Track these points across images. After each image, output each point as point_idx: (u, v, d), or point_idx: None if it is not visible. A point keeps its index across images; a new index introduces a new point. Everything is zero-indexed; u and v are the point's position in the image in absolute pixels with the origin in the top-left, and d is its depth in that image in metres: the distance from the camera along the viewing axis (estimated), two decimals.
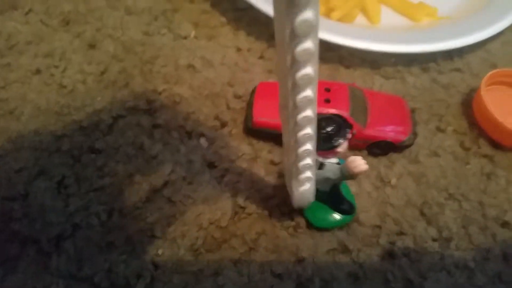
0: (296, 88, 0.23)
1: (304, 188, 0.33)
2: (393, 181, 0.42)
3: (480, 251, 0.38)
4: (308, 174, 0.31)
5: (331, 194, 0.36)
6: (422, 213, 0.40)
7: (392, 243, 0.38)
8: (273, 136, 0.43)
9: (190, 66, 0.50)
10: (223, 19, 0.56)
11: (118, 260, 0.36)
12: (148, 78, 0.49)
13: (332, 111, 0.40)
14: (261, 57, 0.52)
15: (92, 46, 0.52)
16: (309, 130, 0.27)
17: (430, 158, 0.44)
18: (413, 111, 0.46)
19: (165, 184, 0.41)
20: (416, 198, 0.41)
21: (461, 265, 0.37)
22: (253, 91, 0.45)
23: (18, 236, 0.38)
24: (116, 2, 0.57)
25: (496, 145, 0.45)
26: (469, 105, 0.48)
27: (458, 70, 0.52)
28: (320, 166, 0.33)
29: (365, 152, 0.44)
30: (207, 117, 0.46)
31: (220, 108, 0.47)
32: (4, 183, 0.40)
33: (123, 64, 0.50)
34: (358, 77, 0.50)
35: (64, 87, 0.48)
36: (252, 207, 0.40)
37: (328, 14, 0.54)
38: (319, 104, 0.40)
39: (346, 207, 0.38)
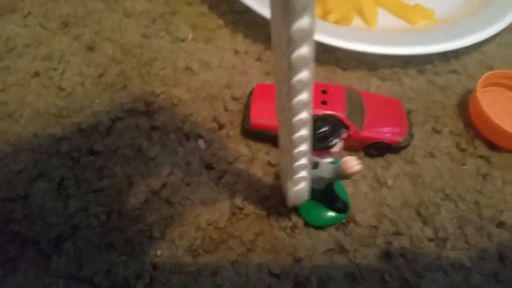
0: (292, 91, 0.23)
1: (299, 187, 0.33)
2: (390, 182, 0.42)
3: (476, 251, 0.39)
4: (303, 174, 0.32)
5: (326, 193, 0.37)
6: (419, 214, 0.40)
7: (389, 243, 0.39)
8: (270, 138, 0.43)
9: (188, 69, 0.50)
10: (221, 22, 0.56)
11: (118, 260, 0.37)
12: (146, 80, 0.49)
13: (329, 113, 0.40)
14: (258, 59, 0.52)
15: (90, 48, 0.52)
16: (304, 132, 0.27)
17: (426, 159, 0.44)
18: (409, 112, 0.46)
19: (164, 185, 0.41)
20: (412, 199, 0.41)
21: (457, 265, 0.38)
22: (250, 93, 0.46)
23: (18, 237, 0.38)
24: (115, 5, 0.57)
25: (492, 146, 0.45)
26: (465, 106, 0.48)
27: (454, 71, 0.52)
28: (315, 165, 0.34)
29: (362, 153, 0.44)
30: (205, 119, 0.46)
31: (218, 110, 0.47)
32: (4, 185, 0.41)
33: (122, 66, 0.50)
34: (355, 79, 0.50)
35: (63, 89, 0.48)
36: (249, 208, 0.40)
37: (324, 16, 0.54)
38: (316, 106, 0.40)
39: (340, 206, 0.39)
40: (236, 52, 0.53)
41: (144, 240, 0.38)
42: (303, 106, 0.25)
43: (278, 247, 0.38)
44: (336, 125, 0.33)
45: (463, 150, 0.45)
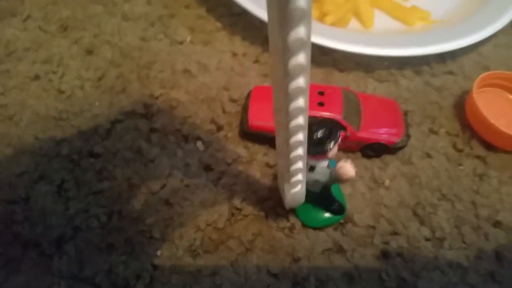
0: (289, 97, 0.24)
1: (296, 190, 0.34)
2: (387, 182, 0.42)
3: (473, 251, 0.39)
4: (299, 177, 0.32)
5: (322, 195, 0.37)
6: (416, 214, 0.41)
7: (386, 243, 0.39)
8: (268, 139, 0.43)
9: (186, 71, 0.51)
10: (219, 24, 0.56)
11: (118, 261, 0.37)
12: (145, 83, 0.49)
13: (326, 114, 0.41)
14: (256, 61, 0.52)
15: (89, 52, 0.52)
16: (300, 137, 0.27)
17: (423, 159, 0.44)
18: (406, 113, 0.47)
19: (163, 187, 0.41)
20: (409, 199, 0.41)
21: (454, 265, 0.38)
22: (248, 95, 0.46)
23: (20, 239, 0.38)
24: (114, 8, 0.57)
25: (488, 146, 0.45)
26: (461, 107, 0.48)
27: (450, 72, 0.52)
28: (311, 168, 0.34)
29: (359, 154, 0.44)
30: (203, 121, 0.46)
31: (216, 112, 0.47)
32: (5, 187, 0.41)
33: (121, 69, 0.50)
34: (351, 81, 0.51)
35: (63, 92, 0.48)
36: (248, 209, 0.40)
37: (321, 18, 0.55)
38: (313, 108, 0.41)
39: (336, 208, 0.39)
40: (234, 54, 0.53)
41: (144, 241, 0.38)
42: (299, 111, 0.25)
43: (276, 247, 0.38)
44: (332, 130, 0.32)
45: (460, 151, 0.45)
